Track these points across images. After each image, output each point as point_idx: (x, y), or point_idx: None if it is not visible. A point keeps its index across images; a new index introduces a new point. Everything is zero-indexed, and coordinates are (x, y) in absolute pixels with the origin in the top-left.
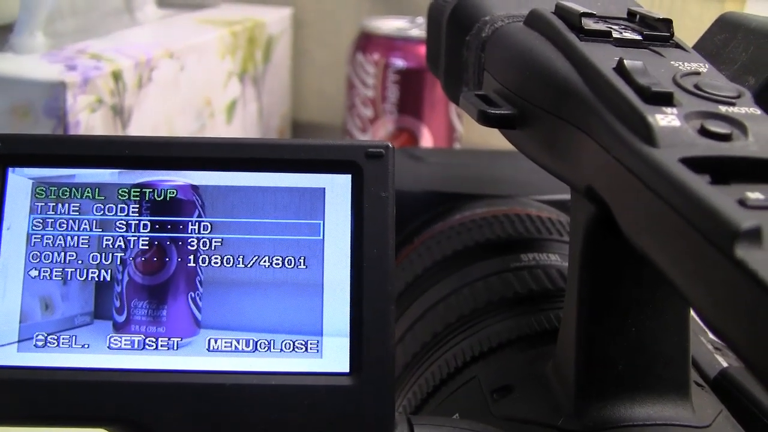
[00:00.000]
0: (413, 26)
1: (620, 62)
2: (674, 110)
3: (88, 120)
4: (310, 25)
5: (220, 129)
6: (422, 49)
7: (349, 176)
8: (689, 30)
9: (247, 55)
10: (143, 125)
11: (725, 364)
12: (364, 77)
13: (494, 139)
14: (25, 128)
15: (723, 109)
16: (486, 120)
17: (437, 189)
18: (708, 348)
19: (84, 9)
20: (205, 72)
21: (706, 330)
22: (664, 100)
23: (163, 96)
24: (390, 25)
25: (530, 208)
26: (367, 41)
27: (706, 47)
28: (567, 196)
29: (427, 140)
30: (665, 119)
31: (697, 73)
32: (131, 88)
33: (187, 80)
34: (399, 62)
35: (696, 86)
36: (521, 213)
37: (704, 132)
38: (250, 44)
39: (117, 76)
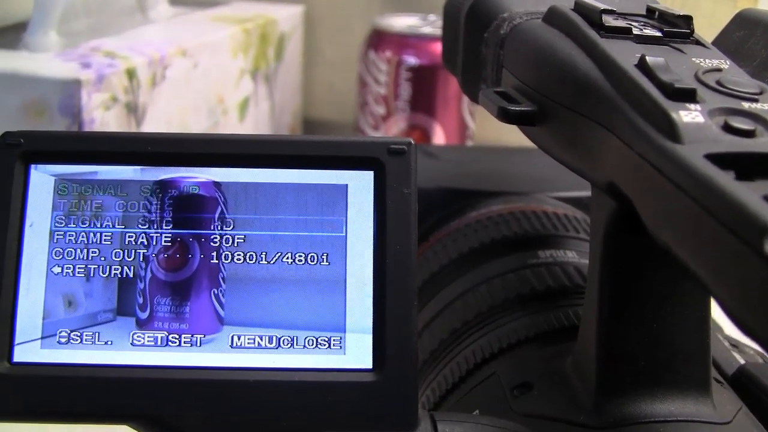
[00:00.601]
0: (425, 23)
1: (642, 59)
2: (698, 107)
3: (103, 118)
4: (321, 23)
5: (233, 127)
6: (435, 47)
7: (372, 173)
8: (702, 27)
9: (260, 53)
10: (157, 123)
11: (742, 361)
12: (377, 75)
13: (507, 135)
14: (40, 126)
15: (746, 105)
16: (506, 117)
17: (452, 186)
18: (725, 345)
19: (97, 8)
20: (217, 70)
21: (722, 327)
22: (687, 96)
23: (176, 94)
24: (402, 22)
25: (546, 205)
26: (379, 39)
27: (724, 44)
28: (583, 193)
29: (439, 137)
30: (689, 115)
31: (719, 70)
32: (145, 86)
33: (200, 78)
34: (411, 59)
35: (718, 83)
36: (537, 210)
37: (728, 128)
38: (262, 42)
39: (131, 74)
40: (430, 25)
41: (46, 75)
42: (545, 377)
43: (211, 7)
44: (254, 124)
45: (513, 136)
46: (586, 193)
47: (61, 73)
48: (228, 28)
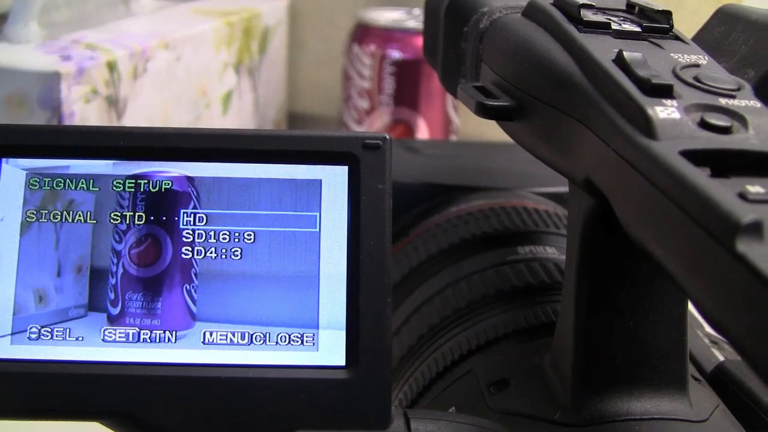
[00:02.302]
0: (410, 17)
1: (620, 54)
2: (674, 102)
3: (83, 111)
4: (306, 17)
5: (216, 120)
6: (419, 41)
7: (346, 168)
8: (686, 23)
9: (243, 46)
10: (138, 116)
11: (722, 358)
12: (361, 69)
13: (490, 131)
14: (20, 119)
15: (723, 101)
16: (484, 112)
17: (433, 181)
18: (704, 342)
19: None
20: (200, 63)
21: (703, 324)
22: (664, 92)
23: (158, 87)
24: (386, 16)
25: (527, 200)
26: (363, 32)
27: (705, 39)
28: (564, 189)
29: (423, 132)
30: (665, 111)
31: (697, 66)
32: (126, 79)
33: (182, 71)
34: (395, 54)
35: (696, 78)
36: (518, 205)
37: (704, 125)
38: (246, 35)
39: (112, 67)
40: (415, 19)
41: (25, 67)
42: (522, 374)
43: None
44: (238, 118)
45: (497, 131)
46: (567, 188)
47: (41, 66)
48: (211, 21)
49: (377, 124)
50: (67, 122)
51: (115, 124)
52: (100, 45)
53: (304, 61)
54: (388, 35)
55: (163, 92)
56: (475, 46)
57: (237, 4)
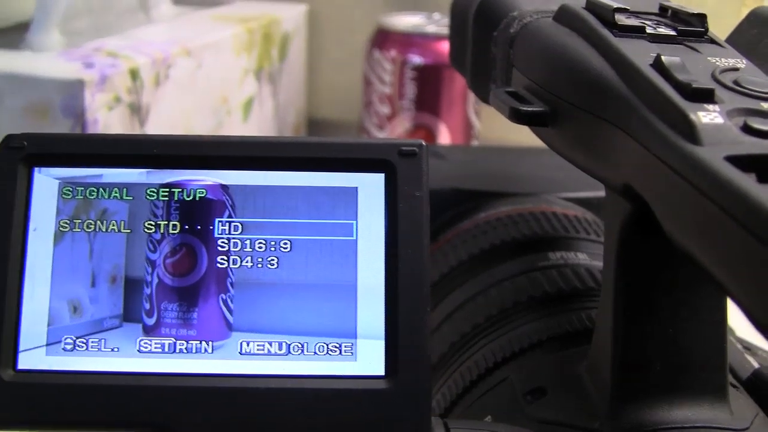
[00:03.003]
0: (430, 22)
1: (658, 58)
2: (716, 107)
3: (106, 118)
4: (325, 22)
5: (237, 127)
6: (439, 46)
7: (383, 175)
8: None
9: (263, 53)
10: (160, 123)
11: (756, 365)
12: (381, 74)
13: (512, 135)
14: (43, 127)
15: (765, 105)
16: (518, 117)
17: (461, 187)
18: (738, 347)
19: (99, 7)
20: (221, 69)
21: (734, 329)
22: (705, 97)
23: (180, 94)
24: (407, 21)
25: (556, 206)
26: (384, 38)
27: (738, 43)
28: (592, 194)
29: (444, 137)
30: (708, 116)
31: (736, 69)
32: (148, 86)
33: (203, 78)
34: (416, 59)
35: (736, 82)
36: (547, 211)
37: (748, 129)
38: (265, 41)
39: (134, 74)
40: (435, 23)
41: (48, 75)
42: (559, 382)
43: (214, 6)
44: (258, 125)
45: (518, 135)
46: (595, 193)
47: (64, 74)
48: (231, 28)
49: (398, 129)
50: (90, 130)
51: (137, 131)
52: (122, 52)
53: (323, 67)
54: (409, 40)
55: (184, 99)
56: (506, 51)
57: (256, 10)
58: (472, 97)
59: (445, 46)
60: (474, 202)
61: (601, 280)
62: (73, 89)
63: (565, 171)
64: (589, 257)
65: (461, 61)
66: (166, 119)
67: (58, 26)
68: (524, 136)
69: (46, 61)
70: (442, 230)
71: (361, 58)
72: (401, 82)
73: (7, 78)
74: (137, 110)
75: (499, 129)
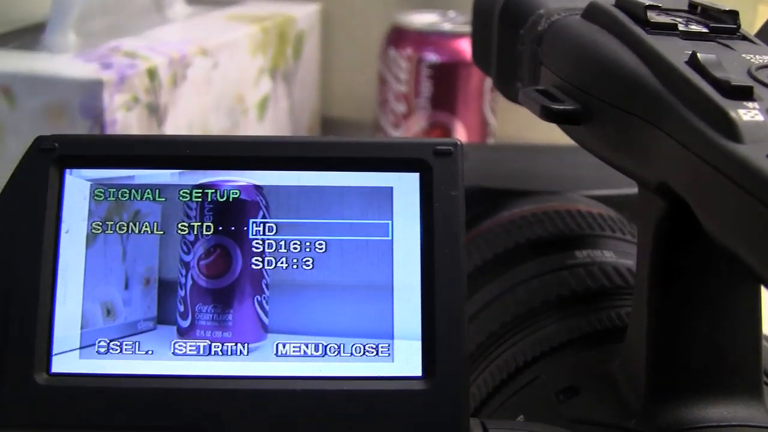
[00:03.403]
0: (445, 20)
1: (693, 56)
2: (756, 105)
3: (125, 119)
4: (338, 21)
5: (252, 126)
6: (455, 44)
7: (418, 175)
8: None
9: (278, 52)
10: (178, 124)
11: None
12: (397, 72)
13: (528, 133)
14: (60, 128)
15: None
16: (549, 116)
17: (483, 185)
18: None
19: (114, 7)
20: (237, 69)
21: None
22: (744, 94)
23: (197, 93)
24: (422, 19)
25: (580, 204)
26: (399, 36)
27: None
28: (614, 192)
29: (460, 135)
30: (748, 114)
31: None
32: (166, 86)
33: (220, 78)
34: (432, 57)
35: None
36: (572, 209)
37: None
38: (280, 40)
39: (152, 74)
40: (450, 21)
41: (67, 76)
42: (592, 381)
43: (228, 6)
44: (273, 124)
45: (534, 133)
46: (618, 191)
47: (82, 74)
48: (246, 27)
49: (414, 128)
50: (108, 131)
51: (156, 132)
52: (139, 52)
53: (337, 66)
54: (424, 38)
55: (201, 99)
56: (533, 49)
57: (269, 9)
58: (488, 95)
59: (461, 44)
60: (496, 201)
61: (628, 278)
62: (92, 90)
63: (586, 169)
64: (616, 255)
65: (485, 59)
66: (184, 120)
67: (74, 27)
68: (540, 134)
69: (63, 61)
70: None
71: (375, 56)
72: (417, 81)
73: (26, 79)
74: (155, 110)
75: (515, 127)
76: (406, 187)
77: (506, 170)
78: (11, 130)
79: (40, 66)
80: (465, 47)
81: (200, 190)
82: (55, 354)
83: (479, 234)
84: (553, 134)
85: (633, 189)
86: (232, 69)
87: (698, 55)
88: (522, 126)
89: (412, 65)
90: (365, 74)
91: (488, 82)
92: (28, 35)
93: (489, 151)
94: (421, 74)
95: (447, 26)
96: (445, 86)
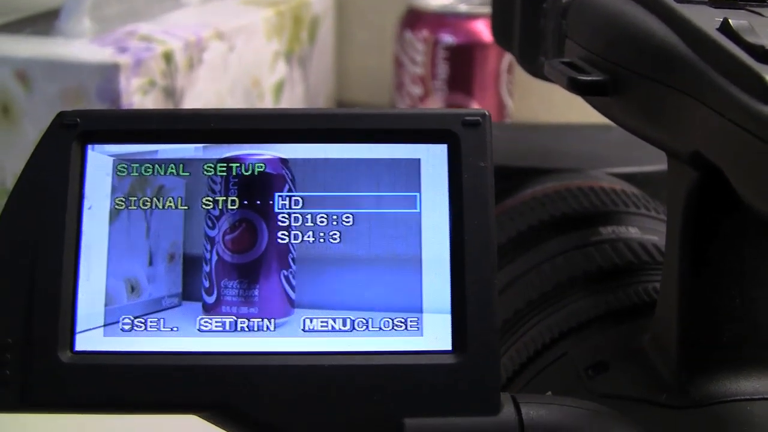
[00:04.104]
0: (461, 1)
1: (725, 22)
2: None
3: (141, 102)
4: (353, 4)
5: None
6: (472, 25)
7: (446, 146)
8: None
9: (293, 36)
10: (195, 107)
11: None
12: (413, 55)
13: (545, 114)
14: None
15: None
16: (577, 87)
17: (504, 164)
18: None
19: None
20: (252, 53)
21: None
22: None
23: (213, 77)
24: (438, 1)
25: (602, 181)
26: (415, 18)
27: None
28: (637, 169)
29: None
30: None
31: None
32: (182, 70)
33: (236, 61)
34: (448, 38)
35: None
36: (595, 186)
37: None
38: (295, 24)
39: (168, 58)
40: (466, 2)
41: (83, 60)
42: (621, 356)
43: None
44: (290, 108)
45: (551, 115)
46: (640, 168)
47: (98, 58)
48: (262, 11)
49: None
50: None
51: None
52: (155, 36)
53: (352, 49)
54: (440, 20)
55: (217, 83)
56: (558, 22)
57: None
58: (504, 76)
59: (477, 25)
60: (518, 180)
61: (654, 253)
62: (109, 73)
63: (607, 147)
64: (641, 231)
65: (507, 37)
66: (200, 103)
67: (89, 12)
68: (557, 116)
69: (80, 46)
70: None
71: (390, 39)
72: (433, 63)
73: (43, 64)
74: (172, 94)
75: (533, 108)
76: (433, 158)
77: (527, 149)
78: (28, 115)
79: (55, 51)
80: (481, 28)
81: (225, 164)
82: (79, 332)
83: (502, 212)
84: (570, 115)
85: (656, 166)
86: (247, 53)
87: (730, 21)
88: (539, 108)
89: (428, 47)
90: (381, 57)
91: (505, 63)
92: (43, 21)
93: (509, 130)
94: (438, 56)
95: (463, 7)
96: (461, 68)
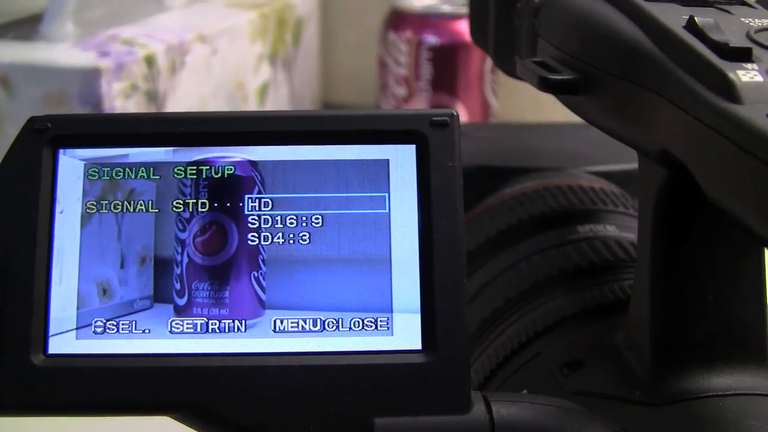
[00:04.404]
0: (444, 2)
1: (691, 20)
2: (755, 66)
3: (124, 106)
4: (337, 6)
5: None
6: (455, 25)
7: (414, 147)
8: None
9: (277, 38)
10: (178, 110)
11: None
12: (397, 56)
13: (529, 114)
14: None
15: None
16: (547, 86)
17: (484, 163)
18: None
19: None
20: (236, 56)
21: None
22: (743, 56)
23: (196, 80)
24: (421, 2)
25: (581, 179)
26: (398, 19)
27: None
28: (616, 167)
29: (462, 117)
30: (747, 75)
31: None
32: (165, 73)
33: (219, 64)
34: (432, 39)
35: None
36: (573, 185)
37: None
38: (279, 27)
39: (150, 61)
40: (449, 3)
41: (65, 65)
42: (595, 354)
43: None
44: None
45: (536, 114)
46: (620, 166)
47: (80, 62)
48: (245, 14)
49: None
50: None
51: None
52: (137, 40)
53: (336, 51)
54: (424, 21)
55: (200, 86)
56: (531, 22)
57: None
58: (489, 76)
59: (460, 26)
60: (499, 179)
61: (631, 251)
62: (90, 78)
63: (587, 145)
64: (619, 229)
65: (483, 37)
66: (183, 106)
67: (71, 17)
68: (542, 116)
69: (62, 50)
70: (467, 207)
71: (375, 40)
72: (417, 63)
73: (25, 68)
74: (154, 97)
75: (517, 108)
76: (402, 159)
77: (508, 148)
78: (10, 120)
79: (37, 55)
80: (465, 29)
81: (195, 167)
82: (52, 335)
83: (482, 212)
84: (556, 115)
85: (634, 164)
86: (231, 56)
87: (696, 19)
88: (524, 108)
89: (412, 48)
90: (365, 59)
91: (489, 63)
92: (26, 26)
93: (490, 129)
94: (421, 57)
95: (446, 8)
96: (445, 68)
